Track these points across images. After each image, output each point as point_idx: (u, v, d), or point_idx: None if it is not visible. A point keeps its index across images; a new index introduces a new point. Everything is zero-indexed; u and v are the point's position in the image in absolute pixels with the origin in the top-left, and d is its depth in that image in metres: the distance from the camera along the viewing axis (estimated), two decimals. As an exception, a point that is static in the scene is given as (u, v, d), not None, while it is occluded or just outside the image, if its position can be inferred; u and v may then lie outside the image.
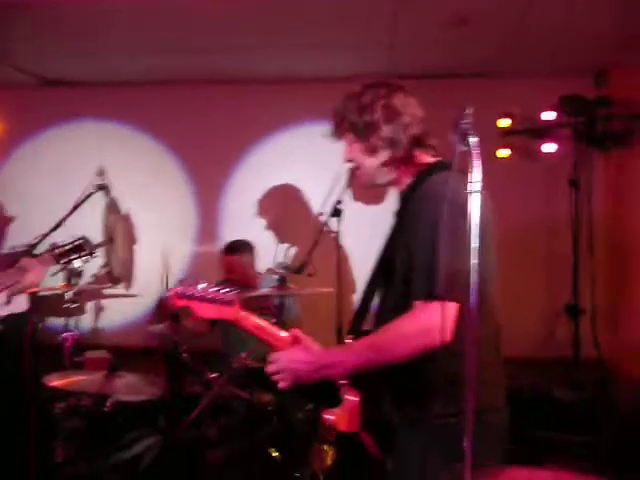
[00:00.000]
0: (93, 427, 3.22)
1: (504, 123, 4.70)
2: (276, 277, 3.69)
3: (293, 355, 1.81)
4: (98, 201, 3.46)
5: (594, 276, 4.51)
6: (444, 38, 4.27)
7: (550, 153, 4.67)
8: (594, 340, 4.46)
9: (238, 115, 5.16)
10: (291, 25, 4.09)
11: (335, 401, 1.87)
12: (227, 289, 1.75)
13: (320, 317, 3.68)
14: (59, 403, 3.34)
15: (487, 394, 1.78)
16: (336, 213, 3.70)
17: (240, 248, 4.27)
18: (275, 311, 3.70)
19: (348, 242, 4.75)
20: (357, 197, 4.42)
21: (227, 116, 5.19)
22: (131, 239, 5.23)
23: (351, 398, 1.86)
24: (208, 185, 5.30)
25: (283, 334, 1.84)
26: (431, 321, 1.60)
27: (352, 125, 1.90)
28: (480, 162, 1.43)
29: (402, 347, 1.67)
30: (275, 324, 3.51)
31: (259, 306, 3.71)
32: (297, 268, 3.61)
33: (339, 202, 3.71)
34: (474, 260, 1.44)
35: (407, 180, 1.94)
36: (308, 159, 5.00)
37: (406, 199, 1.91)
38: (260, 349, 3.71)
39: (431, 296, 1.64)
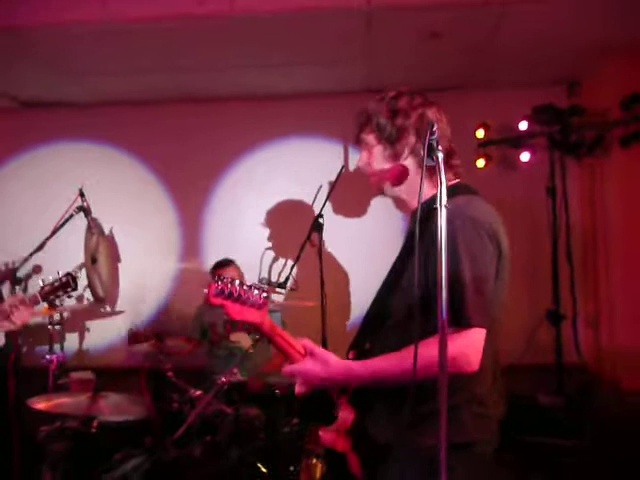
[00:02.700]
0: (79, 449, 3.21)
1: (481, 134, 4.77)
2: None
3: (310, 369, 1.74)
4: (79, 222, 3.47)
5: (573, 282, 4.57)
6: (418, 52, 4.34)
7: (527, 162, 4.74)
8: (576, 345, 4.52)
9: (217, 133, 5.18)
10: (269, 43, 4.13)
11: (331, 418, 1.83)
12: (257, 290, 1.71)
13: (305, 331, 3.70)
14: (44, 426, 3.32)
15: (484, 425, 1.77)
16: (317, 227, 3.74)
17: (231, 262, 4.36)
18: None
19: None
20: (337, 210, 4.47)
21: (206, 134, 5.21)
22: (114, 259, 5.22)
23: (346, 416, 1.81)
24: (190, 203, 5.32)
25: (299, 346, 1.78)
26: (461, 349, 1.55)
27: (380, 127, 1.81)
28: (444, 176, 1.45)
29: (427, 374, 1.53)
30: (258, 339, 3.55)
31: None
32: (280, 283, 3.63)
33: (320, 216, 3.75)
34: (444, 276, 1.42)
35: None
36: (288, 175, 5.02)
37: (422, 219, 1.76)
38: (247, 365, 3.76)
39: (461, 323, 1.59)
